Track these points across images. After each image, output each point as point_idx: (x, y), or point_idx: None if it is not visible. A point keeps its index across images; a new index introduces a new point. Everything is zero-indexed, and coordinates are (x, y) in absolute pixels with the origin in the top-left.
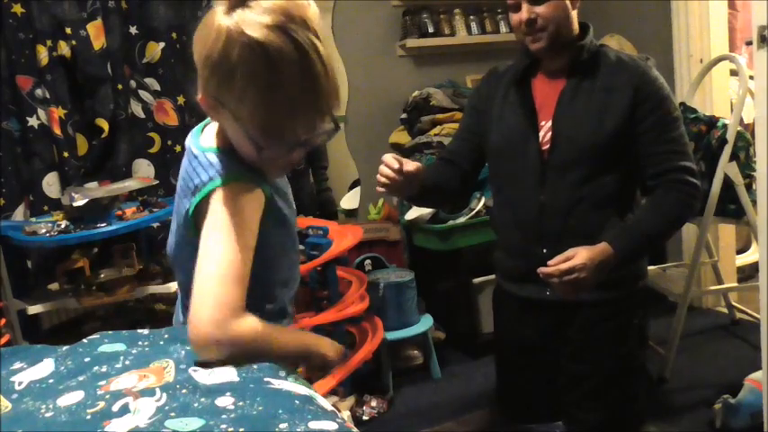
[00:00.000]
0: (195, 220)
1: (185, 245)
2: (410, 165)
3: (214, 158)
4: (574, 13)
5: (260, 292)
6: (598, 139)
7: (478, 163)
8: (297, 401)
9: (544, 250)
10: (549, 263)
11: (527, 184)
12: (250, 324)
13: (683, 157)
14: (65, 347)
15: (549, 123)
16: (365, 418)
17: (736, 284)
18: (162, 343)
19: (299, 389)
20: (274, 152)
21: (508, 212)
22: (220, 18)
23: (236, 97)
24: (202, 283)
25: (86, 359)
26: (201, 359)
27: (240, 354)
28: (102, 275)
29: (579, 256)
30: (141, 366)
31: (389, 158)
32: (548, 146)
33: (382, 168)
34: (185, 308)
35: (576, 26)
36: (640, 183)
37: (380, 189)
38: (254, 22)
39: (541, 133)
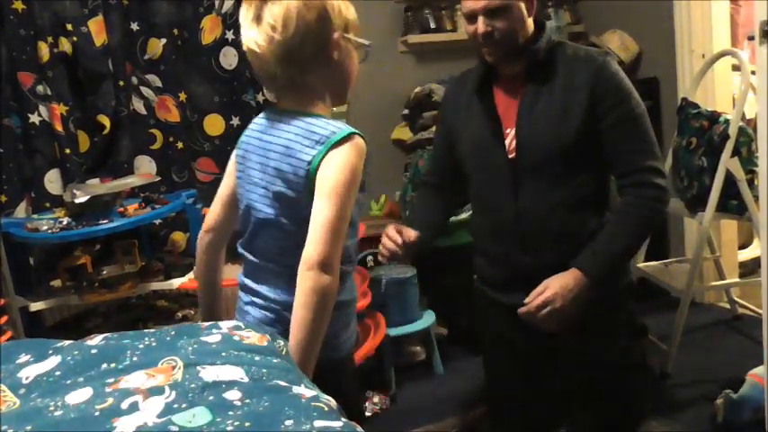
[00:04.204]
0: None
1: (290, 204)
2: (410, 234)
3: (327, 119)
4: (530, 18)
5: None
6: (562, 140)
7: (461, 171)
8: (303, 400)
9: (527, 258)
10: (525, 301)
11: (501, 193)
12: (334, 286)
13: (648, 157)
14: (69, 342)
15: (514, 131)
16: (368, 414)
17: (738, 280)
18: (168, 339)
19: (306, 391)
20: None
21: (485, 221)
22: None
23: None
24: (320, 229)
25: (93, 351)
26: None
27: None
28: (105, 272)
29: (550, 287)
30: (149, 364)
31: (392, 232)
32: (514, 153)
33: (385, 241)
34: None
35: (531, 29)
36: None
37: (385, 260)
38: None
39: (507, 140)
